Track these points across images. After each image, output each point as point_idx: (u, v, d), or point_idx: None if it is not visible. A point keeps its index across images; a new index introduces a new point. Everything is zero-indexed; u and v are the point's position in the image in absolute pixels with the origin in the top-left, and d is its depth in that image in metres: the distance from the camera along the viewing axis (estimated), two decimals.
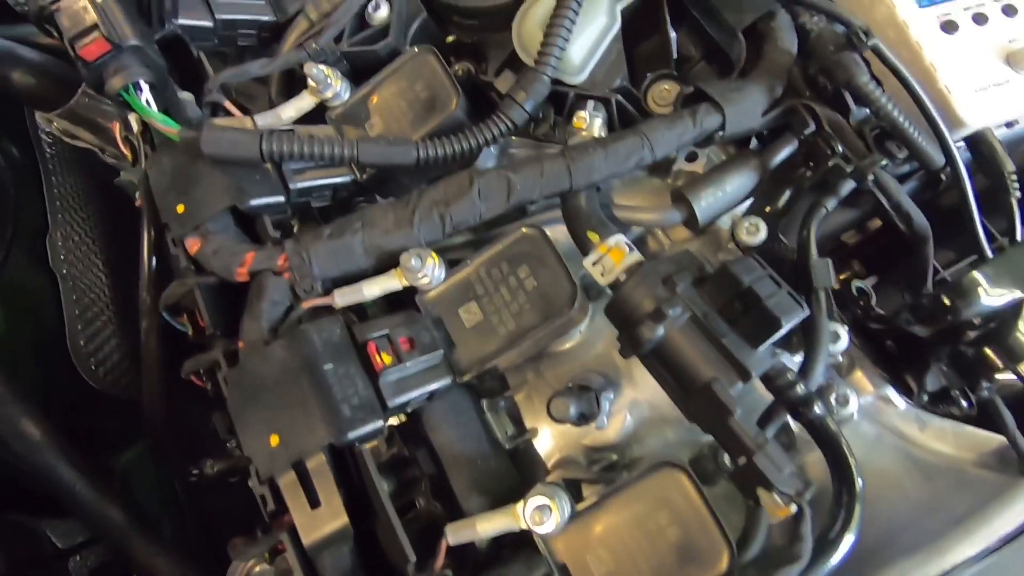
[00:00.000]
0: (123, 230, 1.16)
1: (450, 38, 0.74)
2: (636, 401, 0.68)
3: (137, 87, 0.57)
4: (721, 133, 0.59)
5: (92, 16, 0.55)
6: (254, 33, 0.73)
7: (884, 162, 0.57)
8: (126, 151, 0.73)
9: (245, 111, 0.71)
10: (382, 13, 0.69)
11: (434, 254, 0.58)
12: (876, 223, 0.70)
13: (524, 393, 0.70)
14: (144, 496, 1.13)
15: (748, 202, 0.67)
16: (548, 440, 0.69)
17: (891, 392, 0.66)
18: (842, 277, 0.71)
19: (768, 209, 0.65)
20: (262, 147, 0.56)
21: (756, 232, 0.63)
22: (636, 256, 0.57)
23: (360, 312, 0.61)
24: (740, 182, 0.64)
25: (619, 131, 0.58)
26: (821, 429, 0.50)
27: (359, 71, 0.70)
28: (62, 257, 1.08)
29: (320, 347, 0.52)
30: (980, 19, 0.65)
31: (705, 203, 0.63)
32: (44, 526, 0.86)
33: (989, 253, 0.62)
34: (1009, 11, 0.66)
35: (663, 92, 0.67)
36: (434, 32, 0.73)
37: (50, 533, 0.86)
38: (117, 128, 0.73)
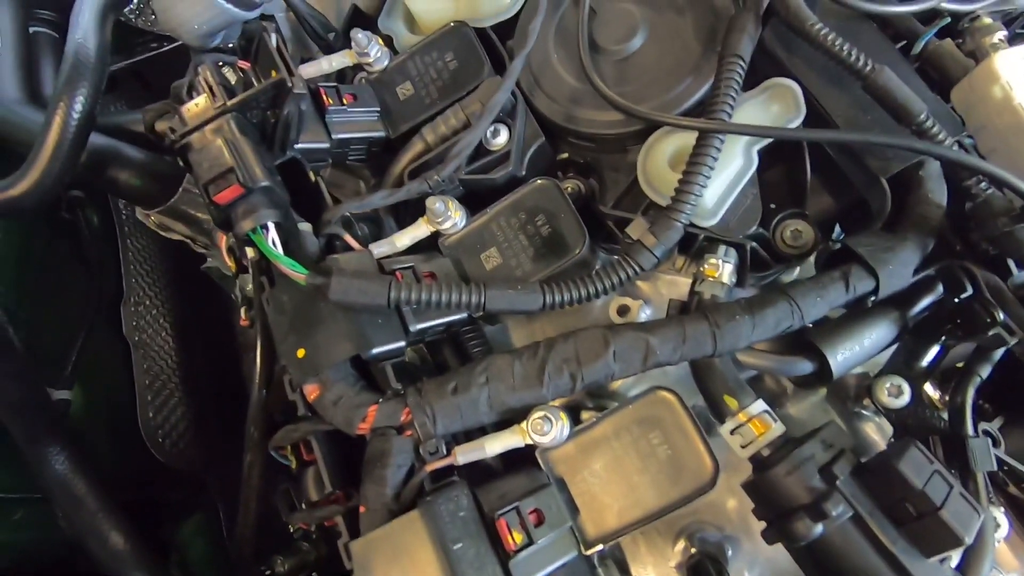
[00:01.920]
0: (189, 294, 1.16)
1: (562, 155, 0.72)
2: (755, 559, 0.64)
3: (264, 227, 0.56)
4: (874, 298, 0.55)
5: (228, 159, 0.54)
6: (364, 148, 0.72)
7: None
8: (230, 262, 0.72)
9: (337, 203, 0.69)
10: (501, 139, 0.67)
11: (563, 415, 0.55)
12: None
13: (630, 537, 0.66)
14: (200, 568, 1.11)
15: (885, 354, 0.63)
16: None
17: None
18: None
19: (909, 366, 0.61)
20: (390, 296, 0.54)
21: (899, 395, 0.59)
22: (780, 428, 0.53)
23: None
24: (879, 336, 0.60)
25: (766, 295, 0.54)
26: None
27: (472, 194, 0.68)
28: (134, 324, 1.09)
29: (448, 523, 0.49)
30: None
31: (841, 357, 0.59)
32: None
33: None
34: None
35: (795, 233, 0.64)
36: (549, 154, 0.71)
37: None
38: (223, 239, 0.72)
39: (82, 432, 0.99)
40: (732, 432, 0.54)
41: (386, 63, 0.74)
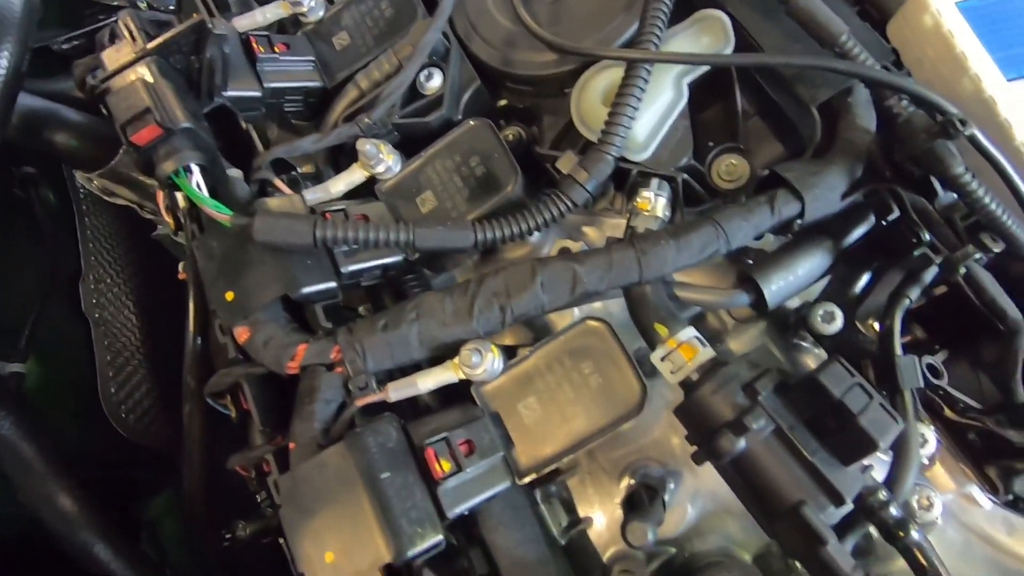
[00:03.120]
0: (152, 270, 1.15)
1: (501, 102, 0.72)
2: (698, 492, 0.65)
3: (188, 170, 0.55)
4: (800, 221, 0.55)
5: (144, 99, 0.53)
6: (300, 99, 0.71)
7: (978, 255, 0.53)
8: (168, 219, 0.71)
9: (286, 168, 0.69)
10: (435, 83, 0.66)
11: (494, 348, 0.55)
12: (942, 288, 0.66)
13: (577, 477, 0.67)
14: (171, 546, 1.11)
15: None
16: (604, 530, 0.66)
17: (975, 490, 0.61)
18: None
19: (843, 294, 0.61)
20: (315, 234, 0.54)
21: (832, 320, 0.59)
22: (709, 352, 0.54)
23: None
24: (813, 264, 0.60)
25: (692, 220, 0.55)
26: (919, 557, 0.46)
27: (409, 140, 0.68)
28: (94, 301, 1.08)
29: (376, 454, 0.49)
30: None
31: (776, 287, 0.59)
32: None
33: None
34: None
35: (730, 167, 0.64)
36: (486, 99, 0.70)
37: None
38: (161, 197, 0.71)
39: (44, 409, 0.98)
40: (662, 360, 0.54)
41: (321, 13, 0.73)
